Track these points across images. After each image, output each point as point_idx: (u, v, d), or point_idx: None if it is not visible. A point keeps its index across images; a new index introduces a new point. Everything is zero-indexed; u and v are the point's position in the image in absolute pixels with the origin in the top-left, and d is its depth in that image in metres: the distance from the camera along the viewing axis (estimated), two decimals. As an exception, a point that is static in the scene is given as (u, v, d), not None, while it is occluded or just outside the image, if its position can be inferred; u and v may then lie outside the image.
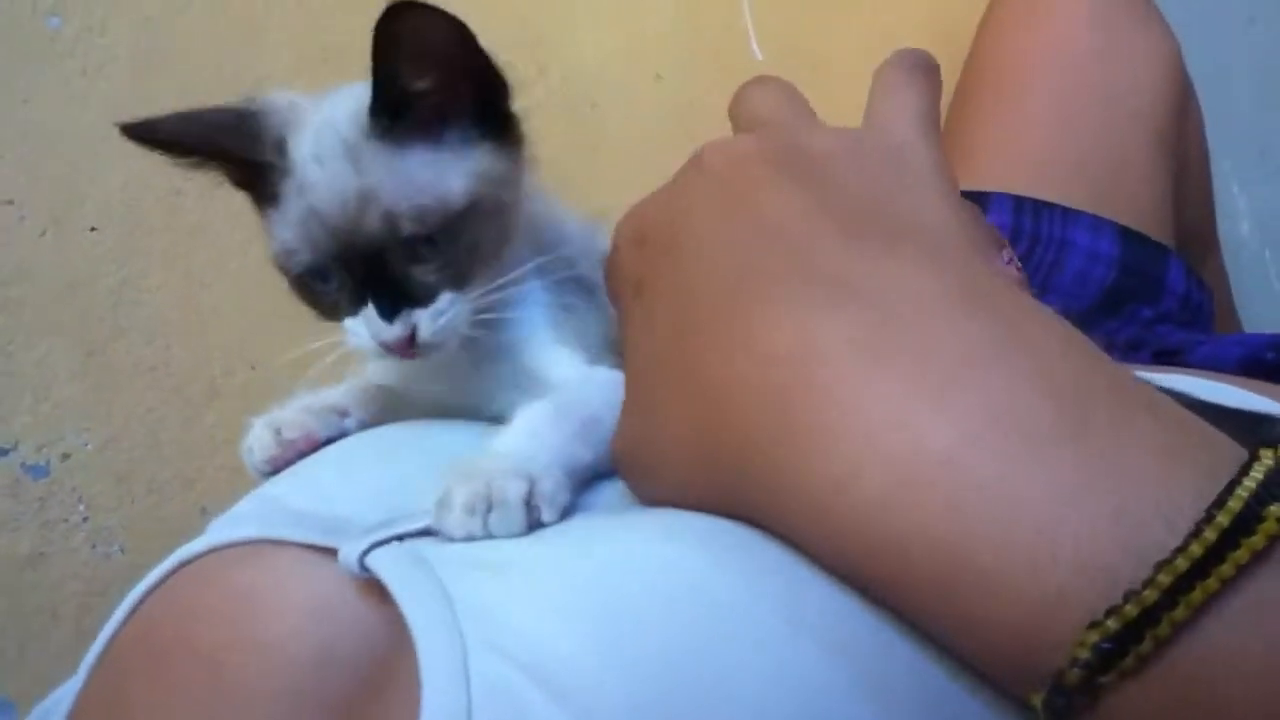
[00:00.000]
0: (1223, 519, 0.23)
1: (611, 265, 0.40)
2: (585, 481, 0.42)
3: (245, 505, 0.45)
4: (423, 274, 0.47)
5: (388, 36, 0.44)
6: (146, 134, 0.49)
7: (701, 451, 0.33)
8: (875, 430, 0.28)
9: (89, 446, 0.77)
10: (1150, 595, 0.23)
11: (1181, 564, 0.22)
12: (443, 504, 0.38)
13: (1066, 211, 0.91)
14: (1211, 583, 0.22)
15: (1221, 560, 0.22)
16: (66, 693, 0.39)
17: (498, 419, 0.49)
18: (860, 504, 0.28)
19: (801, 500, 0.29)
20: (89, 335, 0.77)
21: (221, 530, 0.41)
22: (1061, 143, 0.98)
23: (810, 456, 0.29)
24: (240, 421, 0.81)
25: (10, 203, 0.75)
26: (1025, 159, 0.98)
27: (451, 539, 0.37)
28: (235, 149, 0.49)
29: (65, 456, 0.76)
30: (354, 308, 0.48)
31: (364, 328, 0.48)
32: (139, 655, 0.37)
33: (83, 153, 0.78)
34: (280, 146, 0.48)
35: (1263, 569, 0.22)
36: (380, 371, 0.55)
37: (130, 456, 0.78)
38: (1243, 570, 0.22)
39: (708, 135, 0.55)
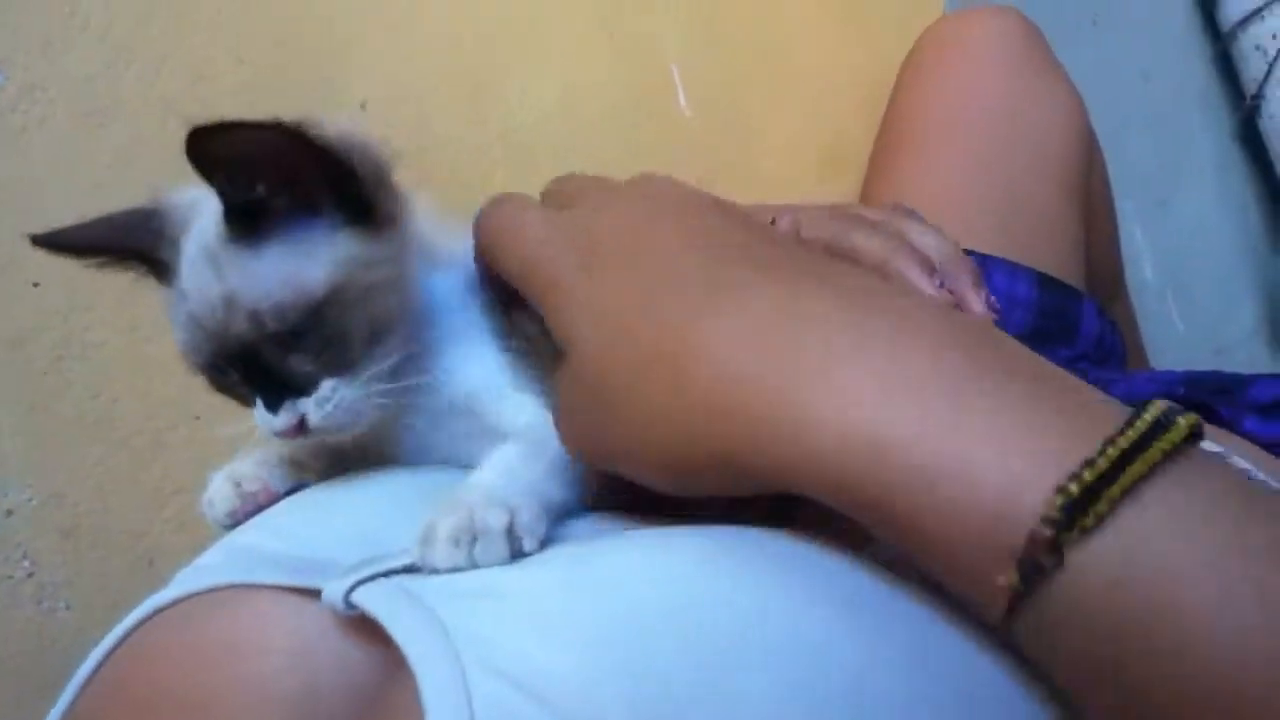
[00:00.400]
0: (1148, 416, 0.30)
1: (544, 250, 0.43)
2: (558, 519, 0.43)
3: (212, 556, 0.45)
4: (300, 364, 0.46)
5: (199, 160, 0.43)
6: (54, 243, 0.50)
7: (689, 417, 0.36)
8: (860, 378, 0.33)
9: (33, 502, 0.75)
10: (1102, 464, 0.28)
11: (1123, 442, 0.29)
12: (426, 538, 0.38)
13: (985, 257, 0.94)
14: (1152, 453, 0.29)
15: (1149, 448, 0.29)
16: None
17: (460, 466, 0.50)
18: (849, 438, 0.32)
19: (790, 434, 0.33)
20: (32, 390, 0.76)
21: (192, 579, 0.41)
22: (975, 192, 1.02)
23: (807, 406, 0.33)
24: (186, 474, 0.80)
25: (-47, 256, 0.74)
26: (941, 208, 1.01)
27: (436, 571, 0.38)
28: (139, 248, 0.49)
29: (9, 513, 0.75)
30: (252, 398, 0.48)
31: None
32: (119, 704, 0.37)
33: (25, 207, 0.77)
34: (176, 245, 0.48)
35: (1181, 459, 0.29)
36: None
37: (75, 511, 0.77)
38: (1166, 456, 0.29)
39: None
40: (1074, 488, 0.28)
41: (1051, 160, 1.05)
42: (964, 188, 1.02)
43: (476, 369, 0.50)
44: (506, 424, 0.49)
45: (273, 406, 0.46)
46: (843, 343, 0.34)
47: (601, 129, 1.12)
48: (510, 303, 0.48)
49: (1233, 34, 1.52)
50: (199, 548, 0.45)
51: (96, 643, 0.40)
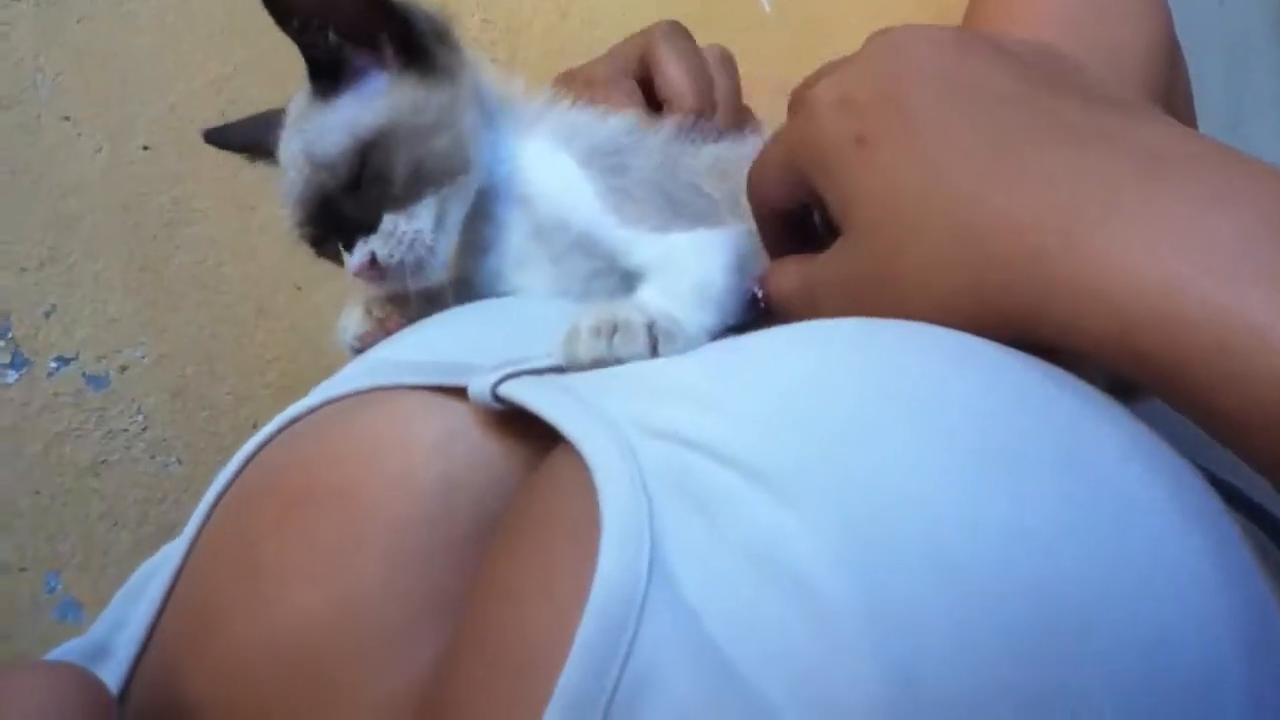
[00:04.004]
0: None
1: (810, 126, 0.39)
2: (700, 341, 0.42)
3: (352, 369, 0.44)
4: (361, 203, 0.47)
5: (274, 6, 0.46)
6: (220, 142, 0.55)
7: (973, 269, 0.34)
8: (1161, 236, 0.30)
9: (145, 360, 0.75)
10: None
11: None
12: (570, 335, 0.38)
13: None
14: None
15: None
16: (168, 555, 0.38)
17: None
18: (1153, 288, 0.29)
19: (1093, 290, 0.31)
20: (143, 252, 0.75)
21: (332, 387, 0.40)
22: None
23: (1109, 257, 0.31)
24: (287, 342, 0.79)
25: (67, 119, 0.72)
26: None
27: (580, 365, 0.37)
28: (268, 144, 0.51)
29: (123, 369, 0.74)
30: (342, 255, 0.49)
31: None
32: (266, 498, 0.37)
33: (135, 73, 0.75)
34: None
35: None
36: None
37: (184, 372, 0.76)
38: None
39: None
40: None
41: (1138, 69, 0.98)
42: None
43: (572, 204, 0.49)
44: (634, 260, 0.47)
45: (350, 249, 0.48)
46: (1133, 200, 0.31)
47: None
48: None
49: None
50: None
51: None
